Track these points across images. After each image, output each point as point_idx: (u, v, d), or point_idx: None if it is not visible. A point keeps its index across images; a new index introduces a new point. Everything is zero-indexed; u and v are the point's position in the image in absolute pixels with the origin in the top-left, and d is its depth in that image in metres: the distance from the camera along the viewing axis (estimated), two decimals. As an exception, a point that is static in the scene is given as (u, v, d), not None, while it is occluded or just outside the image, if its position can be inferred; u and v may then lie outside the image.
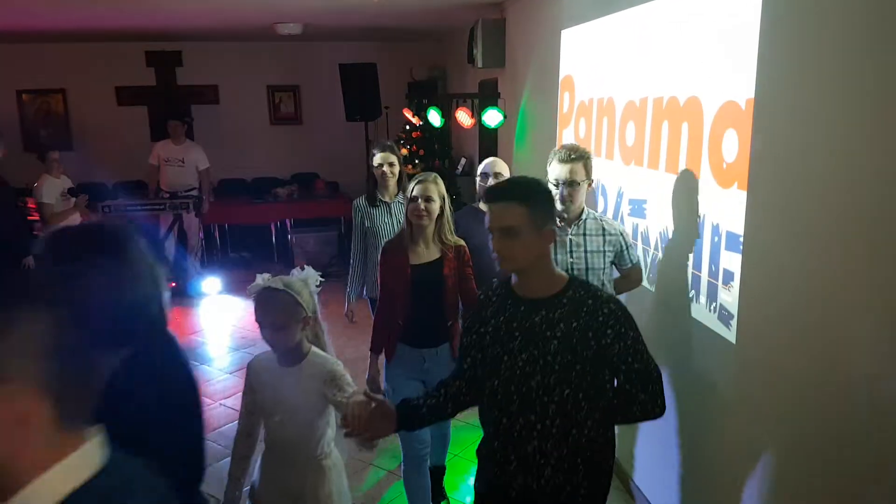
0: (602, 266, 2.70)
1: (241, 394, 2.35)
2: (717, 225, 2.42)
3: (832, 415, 1.89)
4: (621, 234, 2.77)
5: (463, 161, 7.19)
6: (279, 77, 8.57)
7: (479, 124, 5.34)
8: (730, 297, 2.35)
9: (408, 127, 6.52)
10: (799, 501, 2.06)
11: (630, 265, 2.81)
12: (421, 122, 6.29)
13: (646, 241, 3.02)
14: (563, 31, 4.10)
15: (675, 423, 2.82)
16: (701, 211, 2.53)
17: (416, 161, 6.34)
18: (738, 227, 2.27)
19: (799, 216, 2.01)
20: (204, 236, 7.26)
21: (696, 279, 2.57)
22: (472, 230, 2.97)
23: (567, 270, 2.21)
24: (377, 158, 3.67)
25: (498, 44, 5.47)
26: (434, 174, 2.88)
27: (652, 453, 3.08)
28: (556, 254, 2.59)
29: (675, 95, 2.72)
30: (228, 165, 7.93)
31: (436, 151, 6.41)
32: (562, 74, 4.15)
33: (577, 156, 2.65)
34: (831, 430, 1.89)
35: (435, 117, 5.92)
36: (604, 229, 2.72)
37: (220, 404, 4.47)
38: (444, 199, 2.82)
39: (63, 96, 8.07)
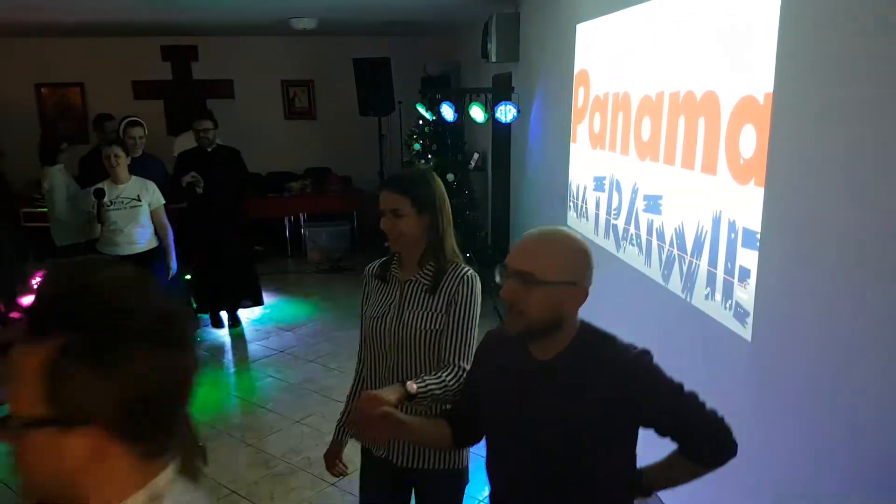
0: None
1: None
2: (734, 221, 2.39)
3: (849, 414, 1.87)
4: None
5: (476, 156, 7.18)
6: (293, 72, 8.59)
7: (493, 119, 5.33)
8: (746, 295, 2.32)
9: (420, 122, 6.52)
10: (814, 502, 2.04)
11: None
12: (434, 117, 6.29)
13: (661, 237, 3.00)
14: (578, 26, 4.07)
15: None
16: (717, 207, 2.51)
17: (429, 156, 6.33)
18: (755, 224, 2.25)
19: (817, 213, 1.98)
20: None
21: (712, 276, 2.55)
22: None
23: None
24: None
25: (512, 38, 5.45)
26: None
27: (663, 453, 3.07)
28: None
29: (691, 90, 2.69)
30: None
31: (449, 146, 6.39)
32: (576, 69, 4.13)
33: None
34: (847, 429, 1.87)
35: (448, 112, 5.91)
36: None
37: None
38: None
39: (81, 90, 8.14)
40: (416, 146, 6.40)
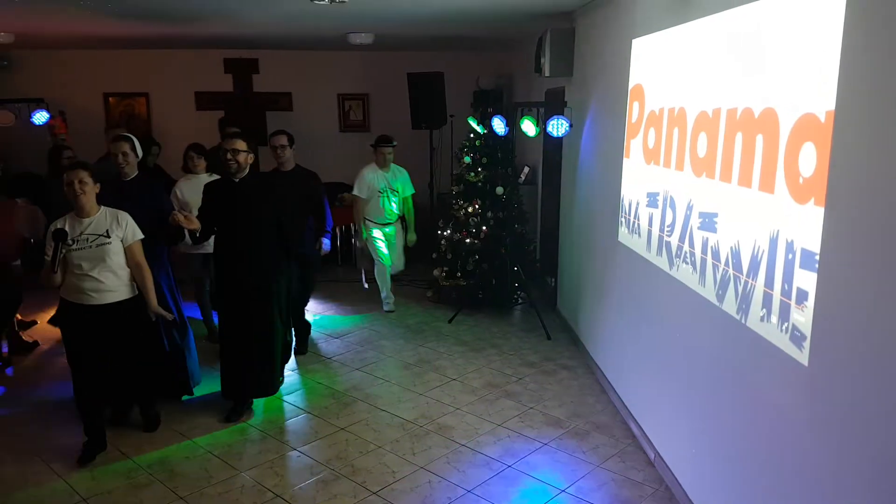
0: None
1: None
2: (792, 242, 2.33)
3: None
4: None
5: (526, 170, 7.17)
6: (349, 86, 8.78)
7: (545, 133, 5.32)
8: (803, 318, 2.25)
9: (471, 135, 6.55)
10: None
11: None
12: (485, 131, 6.32)
13: (716, 255, 2.94)
14: (633, 40, 4.04)
15: (744, 445, 2.72)
16: (774, 226, 2.44)
17: (479, 169, 6.36)
18: (815, 245, 2.18)
19: (880, 234, 1.91)
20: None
21: (768, 297, 2.48)
22: None
23: None
24: None
25: (566, 53, 5.44)
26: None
27: (723, 477, 2.99)
28: None
29: (749, 107, 2.64)
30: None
31: (499, 159, 6.40)
32: (631, 83, 4.09)
33: None
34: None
35: (499, 125, 5.93)
36: None
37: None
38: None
39: (146, 99, 8.50)
40: (467, 159, 6.43)
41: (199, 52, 8.28)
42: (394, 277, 6.64)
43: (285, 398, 4.60)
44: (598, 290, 4.87)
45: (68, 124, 7.66)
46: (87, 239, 3.58)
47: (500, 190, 6.26)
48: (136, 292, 3.78)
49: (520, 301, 6.48)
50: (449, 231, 6.47)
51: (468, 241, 6.29)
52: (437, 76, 7.35)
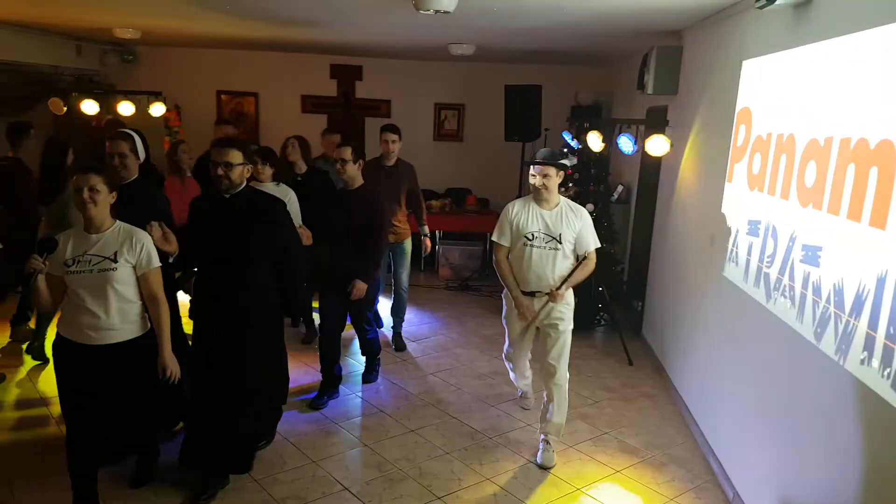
0: None
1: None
2: (905, 282, 2.16)
3: None
4: None
5: (620, 188, 7.02)
6: (447, 95, 8.91)
7: (643, 151, 5.19)
8: (912, 365, 2.08)
9: (565, 149, 6.48)
10: None
11: None
12: (580, 146, 6.24)
13: (817, 291, 2.77)
14: (744, 62, 3.89)
15: (842, 496, 2.54)
16: (884, 265, 2.28)
17: (570, 184, 6.28)
18: (931, 288, 2.01)
19: None
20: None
21: (871, 340, 2.31)
22: None
23: None
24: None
25: (672, 71, 5.30)
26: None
27: None
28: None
29: (864, 137, 2.48)
30: (391, 175, 8.34)
31: (592, 176, 6.30)
32: (739, 106, 3.93)
33: None
34: None
35: (595, 141, 5.83)
36: None
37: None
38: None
39: (255, 99, 8.95)
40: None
41: (308, 57, 8.64)
42: (470, 286, 6.47)
43: (360, 394, 4.70)
44: (688, 319, 4.69)
45: (182, 118, 8.20)
46: (90, 261, 2.84)
47: (590, 207, 6.15)
48: (149, 327, 3.03)
49: (602, 323, 6.33)
50: (535, 245, 6.41)
51: (553, 256, 6.20)
52: (535, 89, 7.34)
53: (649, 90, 5.43)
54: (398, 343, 5.64)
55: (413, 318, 6.44)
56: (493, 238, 3.88)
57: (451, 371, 5.22)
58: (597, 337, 6.21)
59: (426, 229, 5.74)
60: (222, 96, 8.94)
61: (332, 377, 4.55)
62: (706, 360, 4.24)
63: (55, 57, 7.43)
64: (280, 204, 3.44)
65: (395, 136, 5.41)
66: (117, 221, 2.97)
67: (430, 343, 5.83)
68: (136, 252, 2.92)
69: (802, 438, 2.83)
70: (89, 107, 7.56)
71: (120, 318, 2.91)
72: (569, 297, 3.83)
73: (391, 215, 5.07)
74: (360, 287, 4.27)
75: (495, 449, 4.02)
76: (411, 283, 5.95)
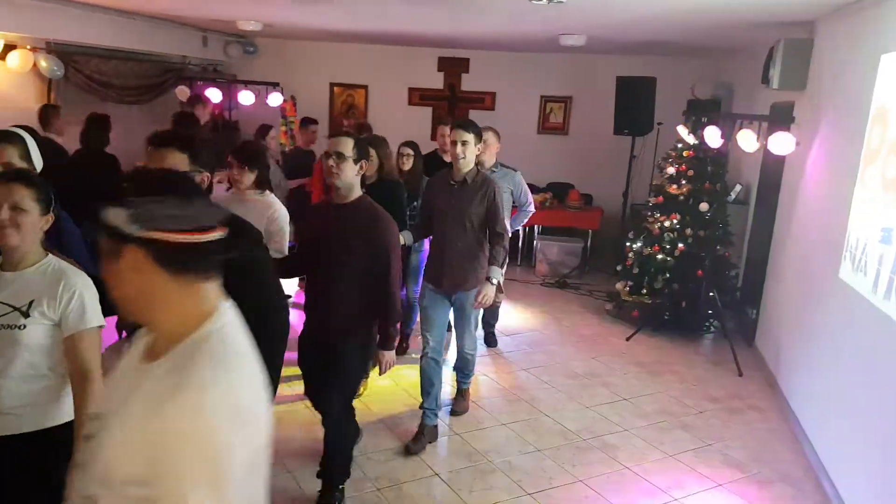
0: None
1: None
2: None
3: None
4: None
5: (738, 188, 6.62)
6: (553, 87, 8.75)
7: (765, 149, 4.86)
8: None
9: (679, 145, 6.19)
10: None
11: None
12: (696, 142, 5.93)
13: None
14: (882, 56, 3.54)
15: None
16: None
17: (682, 182, 5.99)
18: None
19: None
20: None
21: None
22: None
23: None
24: None
25: (801, 65, 4.92)
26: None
27: None
28: None
29: None
30: (493, 169, 8.30)
31: (707, 174, 5.97)
32: (875, 104, 3.59)
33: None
34: None
35: (713, 137, 5.52)
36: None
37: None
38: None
39: (365, 91, 9.17)
40: (670, 170, 6.10)
41: (415, 50, 8.75)
42: (568, 283, 6.18)
43: (451, 385, 4.71)
44: (809, 331, 4.35)
45: (297, 109, 8.53)
46: None
47: (704, 206, 5.85)
48: (71, 418, 2.06)
49: (712, 329, 6.01)
50: (639, 244, 6.19)
51: (660, 256, 5.96)
52: (648, 81, 7.07)
53: (774, 84, 5.07)
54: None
55: (509, 312, 6.35)
56: None
57: (545, 368, 5.13)
58: (704, 344, 5.91)
59: (497, 272, 3.77)
60: (335, 88, 9.22)
61: None
62: (827, 376, 3.93)
63: (184, 47, 7.93)
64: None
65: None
66: (49, 255, 2.08)
67: (524, 339, 5.76)
68: (61, 304, 2.01)
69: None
70: (213, 94, 8.02)
71: (21, 399, 2.01)
72: None
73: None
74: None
75: (589, 451, 3.92)
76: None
